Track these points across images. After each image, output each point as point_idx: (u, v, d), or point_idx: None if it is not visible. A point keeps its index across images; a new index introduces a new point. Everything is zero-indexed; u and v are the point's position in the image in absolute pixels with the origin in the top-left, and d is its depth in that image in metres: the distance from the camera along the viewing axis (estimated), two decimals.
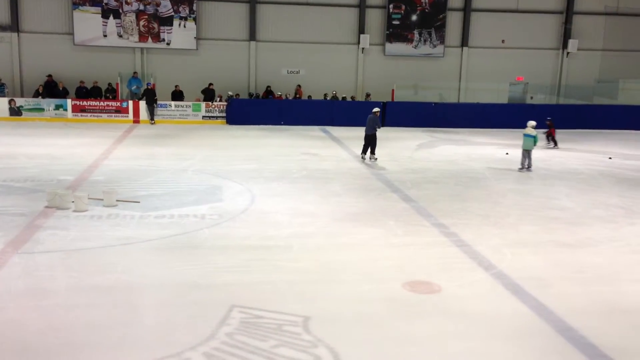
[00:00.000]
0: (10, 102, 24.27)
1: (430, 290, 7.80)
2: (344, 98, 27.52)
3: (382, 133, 18.72)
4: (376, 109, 17.95)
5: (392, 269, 8.55)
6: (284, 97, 27.12)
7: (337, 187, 13.94)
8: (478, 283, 8.13)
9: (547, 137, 21.36)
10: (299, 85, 28.06)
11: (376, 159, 17.38)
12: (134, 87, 26.02)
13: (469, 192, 13.79)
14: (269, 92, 27.39)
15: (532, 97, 30.41)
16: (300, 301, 7.34)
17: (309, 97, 27.62)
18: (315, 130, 24.28)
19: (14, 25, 26.01)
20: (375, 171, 15.97)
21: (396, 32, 29.34)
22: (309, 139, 22.06)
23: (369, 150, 17.45)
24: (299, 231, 10.34)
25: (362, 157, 17.55)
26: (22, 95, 25.62)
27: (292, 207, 11.88)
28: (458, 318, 6.98)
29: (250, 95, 27.65)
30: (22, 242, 9.20)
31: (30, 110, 24.41)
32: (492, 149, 20.72)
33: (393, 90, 27.77)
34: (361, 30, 28.85)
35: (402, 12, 29.29)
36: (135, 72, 26.50)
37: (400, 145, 20.53)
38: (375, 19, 29.14)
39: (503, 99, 29.95)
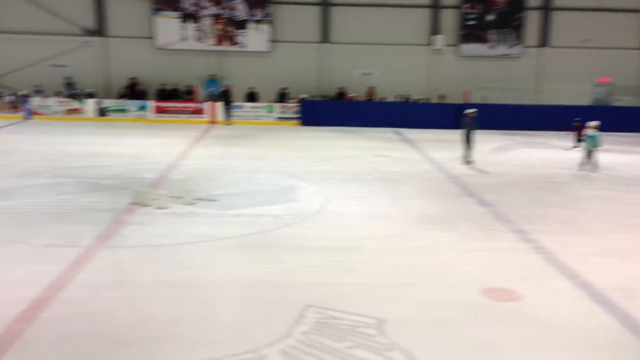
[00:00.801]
0: (97, 103, 25.48)
1: (509, 297, 7.60)
2: (417, 100, 27.26)
3: (457, 136, 18.43)
4: (471, 110, 17.66)
5: (468, 274, 8.39)
6: (356, 98, 27.15)
7: (411, 189, 13.82)
8: (561, 292, 7.85)
9: (577, 138, 20.29)
10: (372, 87, 28.01)
11: (471, 162, 17.01)
12: (212, 89, 26.76)
13: (550, 197, 13.34)
14: (341, 93, 27.49)
15: (617, 100, 29.06)
16: (373, 303, 7.32)
17: (382, 98, 27.52)
18: (388, 132, 24.16)
19: (101, 31, 27.29)
20: (450, 174, 15.72)
21: (471, 33, 28.78)
22: (381, 140, 21.98)
23: (467, 152, 17.18)
24: (372, 233, 10.32)
25: (467, 162, 17.17)
26: (108, 97, 26.84)
27: (365, 209, 11.87)
28: (539, 327, 6.77)
29: (324, 97, 27.84)
30: (108, 237, 9.64)
31: (114, 111, 25.55)
32: (574, 153, 19.96)
33: (468, 92, 27.25)
34: (434, 31, 28.49)
35: (478, 12, 28.70)
36: (213, 75, 27.23)
37: (476, 148, 20.12)
38: (449, 19, 28.70)
39: (585, 101, 28.77)
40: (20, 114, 24.94)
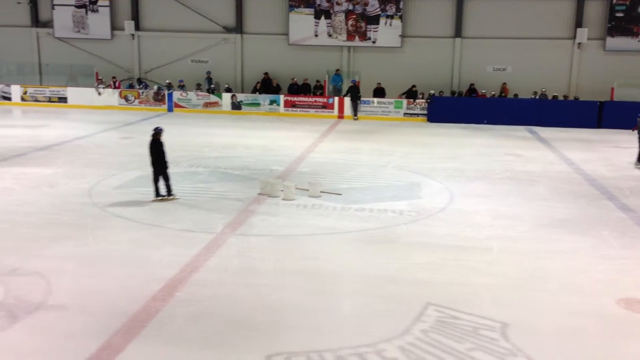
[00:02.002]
0: (232, 97, 26.74)
1: None
2: (554, 97, 25.80)
3: (599, 135, 17.23)
4: None
5: (605, 283, 7.84)
6: (488, 95, 26.23)
7: (543, 190, 13.14)
8: None
9: None
10: (505, 83, 26.91)
11: None
12: (339, 84, 27.11)
13: None
14: (472, 90, 26.69)
15: None
16: (498, 306, 7.07)
17: (515, 95, 26.35)
18: (520, 131, 23.11)
19: (239, 28, 28.56)
20: (589, 176, 14.73)
21: (619, 25, 26.70)
22: (513, 139, 21.07)
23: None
24: (500, 234, 9.95)
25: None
26: (242, 91, 28.05)
27: (493, 209, 11.45)
28: None
29: (453, 93, 27.18)
30: (238, 225, 10.10)
31: (248, 105, 26.65)
32: None
33: (613, 89, 25.35)
34: (578, 24, 26.76)
35: (628, 3, 26.57)
36: (338, 70, 27.54)
37: (619, 149, 18.67)
38: (595, 11, 26.81)
39: None
40: (163, 107, 26.77)
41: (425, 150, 18.11)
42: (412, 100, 25.64)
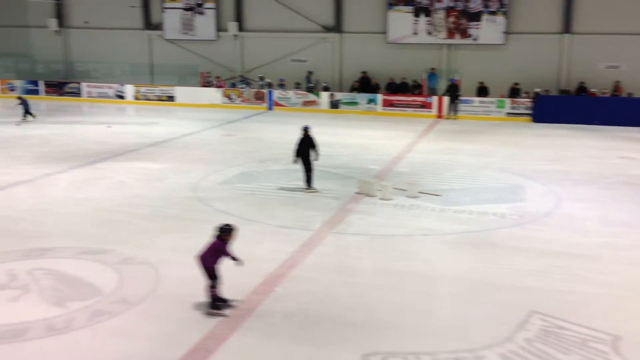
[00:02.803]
0: (330, 96, 27.00)
1: None
2: None
3: None
4: None
5: None
6: (598, 94, 24.84)
7: None
8: None
9: None
10: (618, 82, 25.36)
11: None
12: (434, 83, 26.65)
13: None
14: (581, 88, 25.37)
15: None
16: (609, 318, 6.70)
17: (629, 94, 24.77)
18: (634, 132, 21.70)
19: (337, 27, 28.77)
20: None
21: None
22: (627, 141, 19.84)
23: None
24: (611, 241, 9.41)
25: None
26: (340, 90, 28.25)
27: (604, 215, 10.86)
28: None
29: (561, 91, 25.96)
30: (335, 223, 10.20)
31: (346, 103, 26.81)
32: None
33: None
34: None
35: None
36: (433, 69, 27.06)
37: None
38: None
39: None
40: (263, 105, 27.48)
41: (530, 152, 17.43)
42: (515, 99, 24.76)
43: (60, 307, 6.77)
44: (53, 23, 31.58)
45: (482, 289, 7.54)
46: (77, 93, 29.61)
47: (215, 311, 6.67)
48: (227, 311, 6.69)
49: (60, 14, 31.80)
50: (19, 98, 22.97)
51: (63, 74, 31.81)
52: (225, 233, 6.71)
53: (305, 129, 12.73)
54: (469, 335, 6.32)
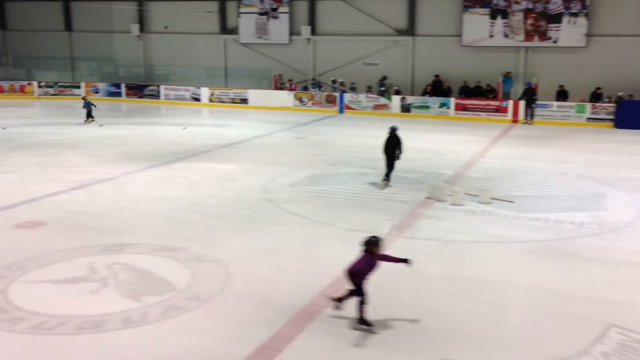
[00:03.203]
0: (401, 99, 26.82)
1: None
2: None
3: None
4: None
5: None
6: None
7: None
8: None
9: None
10: None
11: None
12: (509, 88, 25.94)
13: None
14: None
15: None
16: None
17: None
18: None
19: (410, 30, 28.53)
20: None
21: None
22: None
23: None
24: None
25: None
26: (412, 94, 27.99)
27: None
28: None
29: None
30: (404, 228, 10.11)
31: (417, 107, 26.55)
32: None
33: None
34: None
35: None
36: (508, 72, 26.32)
37: None
38: None
39: None
40: (334, 108, 27.60)
41: (611, 159, 16.68)
42: (596, 104, 23.76)
43: (136, 300, 7.04)
44: (135, 28, 32.92)
45: (557, 299, 7.27)
46: (155, 95, 30.74)
47: (365, 327, 6.48)
48: (373, 328, 6.48)
49: (141, 20, 33.10)
50: (84, 99, 23.54)
51: (143, 77, 33.10)
52: (372, 246, 6.54)
53: (393, 130, 13.42)
54: (541, 346, 6.12)
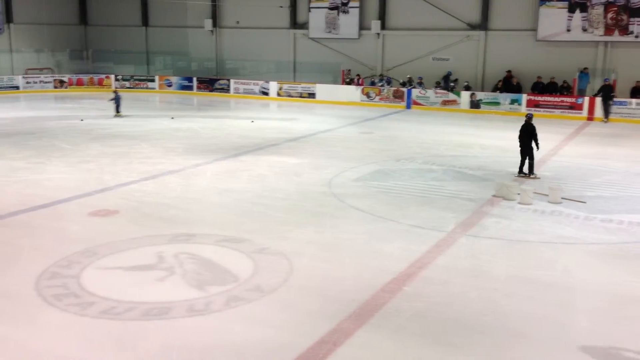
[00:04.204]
0: (471, 95, 26.28)
1: None
2: None
3: None
4: None
5: None
6: None
7: None
8: None
9: None
10: None
11: None
12: (585, 85, 24.91)
13: None
14: None
15: None
16: None
17: None
18: None
19: (483, 24, 27.87)
20: None
21: None
22: None
23: None
24: None
25: None
26: (482, 90, 27.38)
27: None
28: None
29: None
30: (470, 226, 9.94)
31: (487, 103, 25.94)
32: None
33: None
34: None
35: None
36: (585, 68, 25.26)
37: None
38: None
39: None
40: (402, 104, 27.36)
41: None
42: None
43: (200, 290, 7.25)
44: (208, 23, 33.71)
45: (627, 304, 6.98)
46: (225, 89, 31.41)
47: None
48: None
49: (215, 15, 33.85)
50: (115, 92, 23.14)
51: (214, 71, 33.89)
52: None
53: (529, 117, 13.49)
54: (609, 352, 5.89)
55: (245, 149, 16.43)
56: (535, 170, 13.60)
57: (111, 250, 8.54)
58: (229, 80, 31.61)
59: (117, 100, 22.51)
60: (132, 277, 7.64)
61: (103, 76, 33.06)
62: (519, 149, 13.38)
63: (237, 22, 33.23)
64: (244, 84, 31.16)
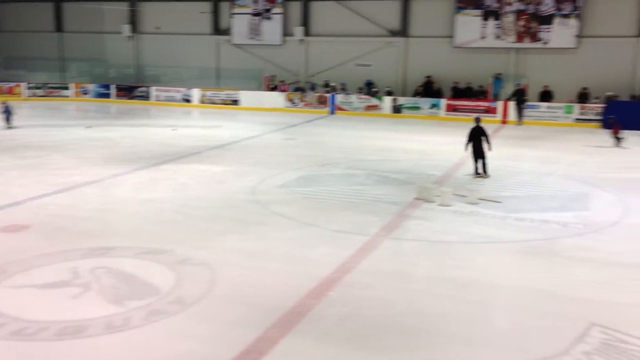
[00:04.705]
0: (393, 100, 26.86)
1: None
2: None
3: None
4: None
5: None
6: None
7: None
8: None
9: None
10: None
11: None
12: (498, 89, 26.04)
13: None
14: None
15: None
16: None
17: None
18: None
19: (403, 31, 28.57)
20: None
21: None
22: None
23: None
24: None
25: None
26: (403, 95, 28.04)
27: None
28: None
29: (633, 97, 24.84)
30: (393, 229, 10.11)
31: (409, 108, 26.61)
32: None
33: None
34: None
35: None
36: (499, 73, 26.41)
37: None
38: None
39: None
40: (325, 109, 27.62)
41: (598, 159, 16.78)
42: (584, 105, 23.89)
43: (119, 305, 6.99)
44: (126, 29, 32.85)
45: (542, 299, 7.29)
46: (146, 97, 30.70)
47: None
48: None
49: (133, 20, 33.02)
50: (3, 104, 21.74)
51: (134, 78, 33.03)
52: None
53: (477, 120, 14.42)
54: (526, 346, 6.12)
55: (166, 158, 16.07)
56: (454, 172, 14.04)
57: (22, 268, 8.10)
58: (149, 87, 30.90)
59: (7, 112, 21.09)
60: (45, 295, 7.27)
61: (13, 84, 31.51)
62: (471, 151, 14.12)
63: (157, 27, 32.58)
64: (165, 91, 30.57)
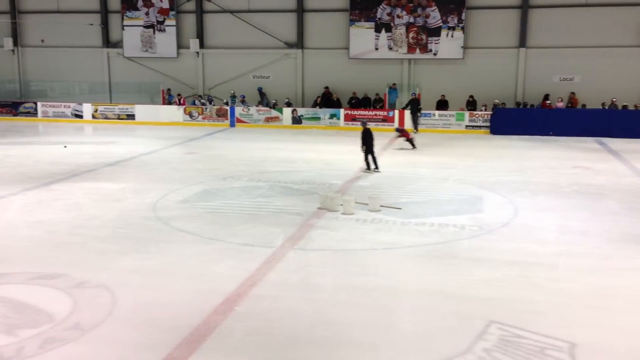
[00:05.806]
0: (292, 111, 27.04)
1: None
2: (624, 107, 24.77)
3: None
4: None
5: None
6: (553, 105, 25.48)
7: (614, 204, 12.60)
8: None
9: None
10: (573, 93, 26.07)
11: None
12: (394, 99, 26.98)
13: None
14: (545, 98, 25.79)
15: None
16: (565, 325, 6.79)
17: (583, 105, 25.48)
18: (589, 142, 22.32)
19: (300, 43, 28.89)
20: None
21: None
22: (581, 151, 20.36)
23: None
24: (566, 250, 9.59)
25: None
26: (303, 106, 28.31)
27: (560, 224, 11.06)
28: None
29: (518, 104, 26.54)
30: (297, 239, 10.14)
31: (308, 119, 26.88)
32: None
33: None
34: None
35: None
36: (394, 84, 27.38)
37: None
38: None
39: None
40: (225, 122, 27.33)
41: (488, 163, 17.73)
42: (474, 112, 25.22)
43: (10, 335, 6.52)
44: (8, 42, 30.98)
45: (443, 300, 7.56)
46: (32, 113, 29.04)
47: None
48: None
49: (15, 33, 31.20)
50: None
51: (18, 94, 31.16)
52: None
53: (364, 123, 16.76)
54: (430, 347, 6.32)
55: (58, 177, 15.24)
56: (355, 182, 14.32)
57: None
58: (35, 103, 29.25)
59: None
60: None
61: None
62: (363, 150, 16.15)
63: (42, 40, 30.94)
64: (53, 106, 29.05)
